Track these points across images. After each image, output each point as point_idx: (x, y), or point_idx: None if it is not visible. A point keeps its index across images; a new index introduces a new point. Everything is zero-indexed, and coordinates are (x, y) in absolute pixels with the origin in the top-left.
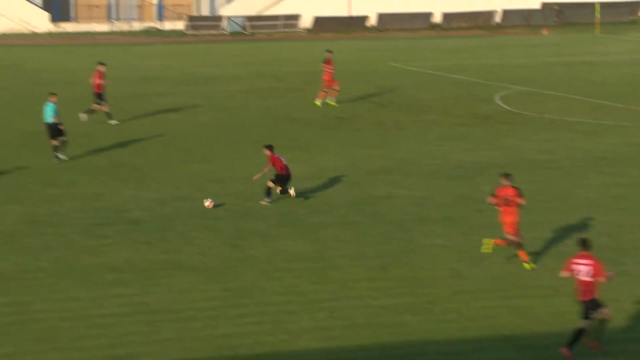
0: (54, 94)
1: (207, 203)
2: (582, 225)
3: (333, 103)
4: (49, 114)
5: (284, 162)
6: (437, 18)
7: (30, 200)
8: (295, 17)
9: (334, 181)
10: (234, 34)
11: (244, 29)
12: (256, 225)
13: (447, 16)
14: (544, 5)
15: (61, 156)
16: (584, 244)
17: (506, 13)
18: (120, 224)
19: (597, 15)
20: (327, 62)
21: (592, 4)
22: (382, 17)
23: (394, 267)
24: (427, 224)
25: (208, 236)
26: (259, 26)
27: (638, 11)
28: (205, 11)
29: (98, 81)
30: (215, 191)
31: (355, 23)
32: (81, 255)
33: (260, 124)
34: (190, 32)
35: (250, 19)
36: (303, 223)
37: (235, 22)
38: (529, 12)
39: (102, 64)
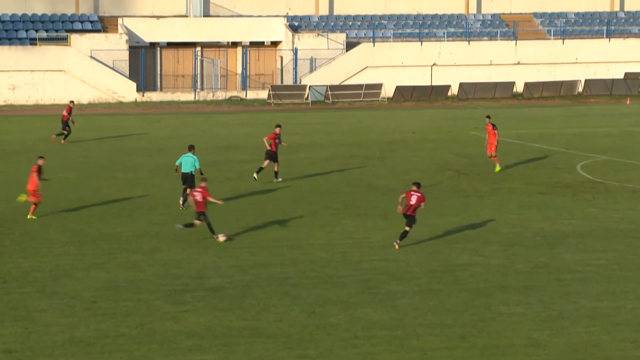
0: (192, 146)
1: (222, 238)
2: None
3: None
4: (190, 166)
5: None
6: (519, 87)
7: (112, 266)
8: (376, 87)
9: (414, 249)
10: (316, 102)
11: (326, 97)
12: (335, 292)
13: (529, 85)
14: (627, 75)
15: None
16: None
17: (588, 83)
18: (200, 291)
19: None
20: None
21: None
22: (463, 87)
23: (473, 335)
24: (507, 292)
25: (286, 303)
26: (341, 95)
27: None
28: (288, 80)
29: None
30: (294, 257)
31: (436, 92)
32: (161, 322)
33: (340, 191)
34: (273, 100)
35: (332, 88)
36: (382, 291)
37: (318, 91)
38: (611, 81)
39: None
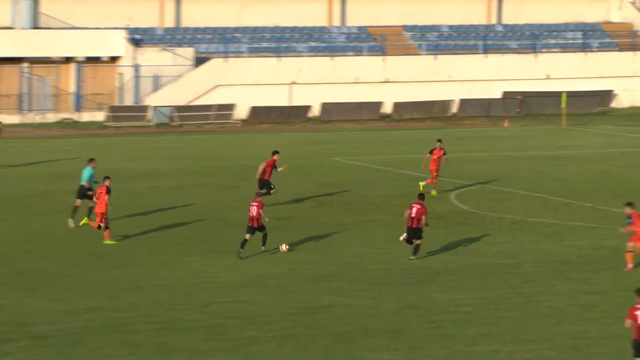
0: (93, 159)
1: (283, 247)
2: (545, 337)
3: None
4: (84, 178)
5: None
6: (387, 108)
7: None
8: (229, 107)
9: (270, 289)
10: (160, 125)
11: (172, 119)
12: (180, 339)
13: (398, 106)
14: (506, 94)
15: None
16: None
17: (463, 102)
18: (24, 340)
19: (564, 105)
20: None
21: (559, 94)
22: (326, 107)
23: None
24: (372, 337)
25: (124, 352)
26: (189, 117)
27: (609, 101)
28: (129, 100)
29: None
30: (133, 300)
31: (296, 113)
32: None
33: (187, 225)
34: (112, 123)
35: (179, 108)
36: (234, 337)
37: (162, 113)
38: (488, 101)
39: None
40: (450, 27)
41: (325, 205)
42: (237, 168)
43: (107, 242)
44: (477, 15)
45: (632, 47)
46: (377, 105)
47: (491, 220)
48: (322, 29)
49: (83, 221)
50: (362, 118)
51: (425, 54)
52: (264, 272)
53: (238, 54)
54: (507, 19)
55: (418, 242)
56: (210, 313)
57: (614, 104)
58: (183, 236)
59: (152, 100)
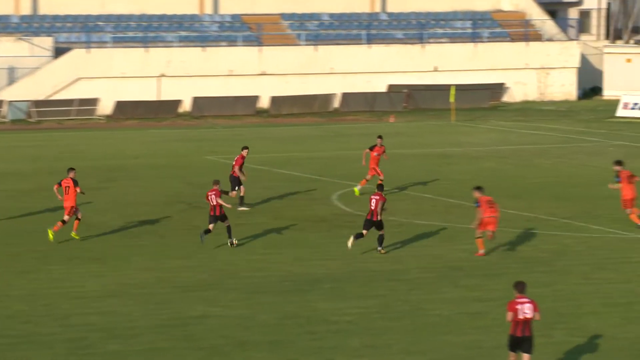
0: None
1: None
2: (434, 348)
3: None
4: None
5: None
6: (264, 102)
7: None
8: (92, 102)
9: (137, 299)
10: (16, 122)
11: (29, 115)
12: (38, 354)
13: (276, 100)
14: (391, 88)
15: None
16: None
17: (346, 96)
18: None
19: (452, 99)
20: None
21: (447, 87)
22: (197, 102)
23: None
24: (249, 349)
25: None
26: (48, 112)
27: (500, 95)
28: None
29: None
30: None
31: (165, 108)
32: None
33: (47, 231)
34: None
35: (37, 103)
36: (98, 351)
37: (18, 108)
38: (372, 95)
39: None
40: (332, 15)
41: (197, 208)
42: (102, 168)
43: (74, 234)
44: (360, 3)
45: (525, 38)
46: (253, 99)
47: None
48: (193, 17)
49: None
50: (237, 113)
51: (305, 45)
52: (131, 280)
53: (101, 44)
54: (392, 7)
55: (382, 232)
56: (72, 325)
57: (505, 98)
58: (42, 242)
59: (7, 94)
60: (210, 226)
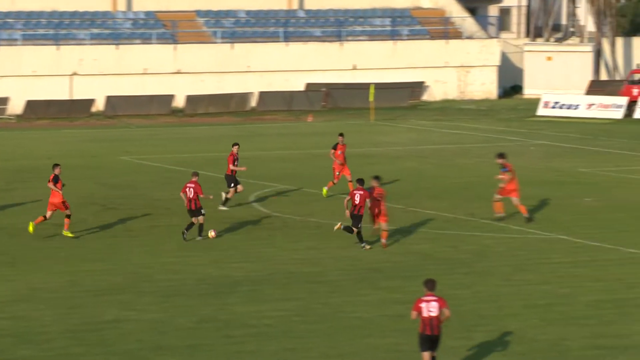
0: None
1: (212, 233)
2: (354, 351)
3: None
4: None
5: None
6: (179, 102)
7: None
8: (2, 101)
9: (48, 304)
10: None
11: None
12: None
13: (192, 99)
14: (309, 86)
15: None
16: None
17: (263, 95)
18: None
19: (372, 98)
20: None
21: (366, 86)
22: (111, 101)
23: None
24: (165, 354)
25: None
26: None
27: (420, 94)
28: None
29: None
30: None
31: (78, 108)
32: None
33: None
34: None
35: None
36: (8, 357)
37: None
38: (290, 94)
39: None
40: (248, 12)
41: (111, 209)
42: (11, 169)
43: (67, 234)
44: (277, 0)
45: (444, 35)
46: (169, 98)
47: (294, 225)
48: (105, 14)
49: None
50: (152, 113)
51: (221, 42)
52: (42, 284)
53: (11, 41)
54: (310, 5)
55: (355, 230)
56: None
57: (425, 97)
58: None
59: None
60: (194, 219)
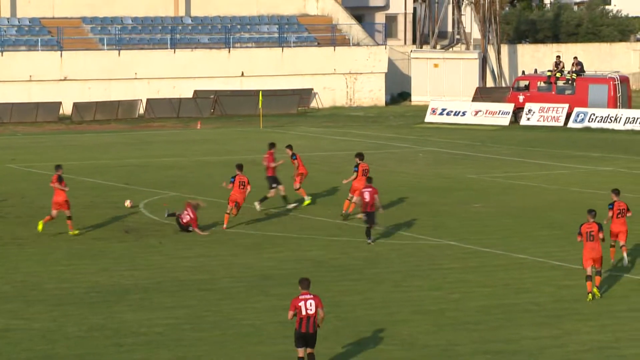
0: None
1: (127, 203)
2: (245, 359)
3: None
4: None
5: None
6: (67, 109)
7: None
8: None
9: None
10: None
11: None
12: None
13: (79, 106)
14: (197, 93)
15: None
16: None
17: (151, 102)
18: None
19: (260, 105)
20: None
21: (255, 92)
22: None
23: None
24: None
25: None
26: None
27: (308, 101)
28: None
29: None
30: None
31: None
32: None
33: None
34: None
35: None
36: None
37: None
38: (178, 101)
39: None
40: (134, 19)
41: None
42: None
43: (73, 232)
44: (163, 6)
45: (332, 42)
46: (55, 105)
47: (183, 233)
48: None
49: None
50: (39, 120)
51: (107, 49)
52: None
53: None
54: (197, 11)
55: (370, 225)
56: None
57: (313, 104)
58: None
59: None
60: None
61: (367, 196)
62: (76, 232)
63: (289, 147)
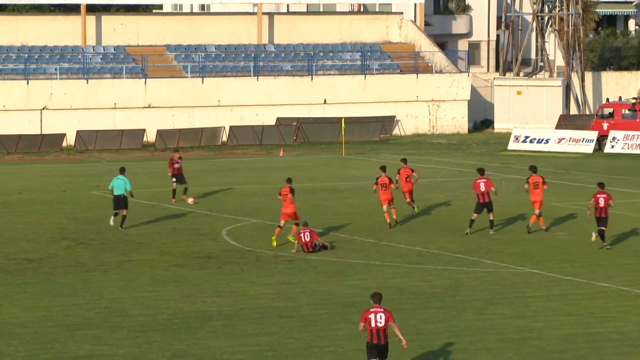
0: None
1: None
2: None
3: None
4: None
5: None
6: (150, 136)
7: None
8: None
9: (21, 339)
10: None
11: None
12: None
13: (163, 134)
14: (280, 120)
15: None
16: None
17: (234, 130)
18: None
19: (343, 133)
20: None
21: (337, 120)
22: (81, 135)
23: None
24: None
25: None
26: None
27: (390, 128)
28: None
29: None
30: None
31: (48, 142)
32: None
33: None
34: None
35: None
36: None
37: None
38: (261, 128)
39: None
40: (218, 47)
41: (83, 244)
42: None
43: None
44: (246, 34)
45: (414, 70)
46: (139, 133)
47: (267, 259)
48: (75, 49)
49: None
50: (123, 147)
51: (191, 77)
52: (13, 319)
53: None
54: (280, 39)
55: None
56: None
57: (396, 131)
58: None
59: None
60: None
61: (482, 186)
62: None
63: (403, 160)
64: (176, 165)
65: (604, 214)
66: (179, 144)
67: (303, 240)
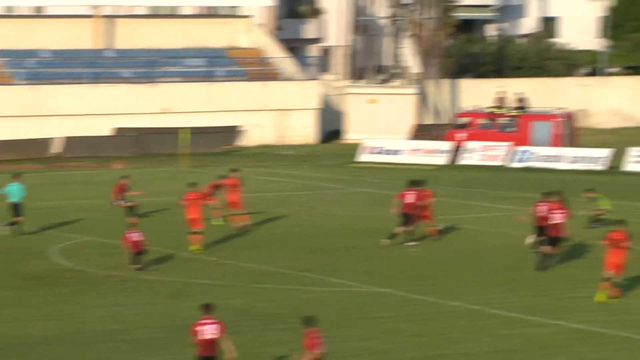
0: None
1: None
2: None
3: None
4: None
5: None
6: None
7: None
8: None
9: None
10: None
11: None
12: None
13: None
14: (118, 131)
15: None
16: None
17: (68, 141)
18: None
19: (185, 144)
20: None
21: (180, 130)
22: None
23: None
24: None
25: None
26: None
27: (235, 139)
28: None
29: None
30: None
31: None
32: None
33: None
34: None
35: None
36: None
37: None
38: (97, 139)
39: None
40: (53, 51)
41: None
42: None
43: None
44: (83, 39)
45: (262, 77)
46: None
47: (99, 280)
48: None
49: None
50: None
51: (23, 84)
52: None
53: None
54: (121, 43)
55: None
56: None
57: (241, 142)
58: None
59: None
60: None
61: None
62: None
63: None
64: None
65: (546, 223)
66: (4, 157)
67: (133, 239)
